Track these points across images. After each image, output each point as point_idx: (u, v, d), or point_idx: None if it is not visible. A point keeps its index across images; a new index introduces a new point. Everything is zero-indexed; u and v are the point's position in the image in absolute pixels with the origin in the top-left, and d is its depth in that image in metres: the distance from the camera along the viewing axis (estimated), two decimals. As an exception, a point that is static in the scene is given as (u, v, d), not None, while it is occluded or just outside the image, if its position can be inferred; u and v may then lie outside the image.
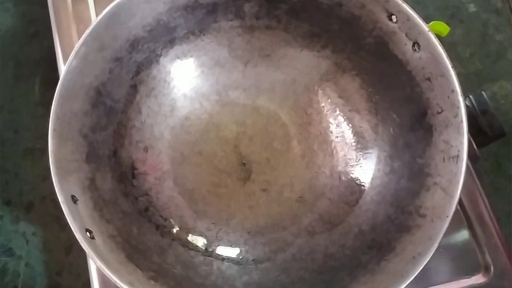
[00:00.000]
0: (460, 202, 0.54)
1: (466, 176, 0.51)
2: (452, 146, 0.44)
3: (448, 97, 0.44)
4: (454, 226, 0.53)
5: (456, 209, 0.42)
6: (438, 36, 0.54)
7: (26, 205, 0.57)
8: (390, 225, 0.47)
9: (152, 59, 0.52)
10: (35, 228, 0.56)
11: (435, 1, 0.67)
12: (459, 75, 0.44)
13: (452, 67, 0.44)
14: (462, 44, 0.66)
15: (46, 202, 0.56)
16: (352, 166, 0.53)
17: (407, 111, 0.49)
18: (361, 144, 0.53)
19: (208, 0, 0.50)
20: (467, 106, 0.44)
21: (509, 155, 0.62)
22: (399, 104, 0.50)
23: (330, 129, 0.54)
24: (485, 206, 0.55)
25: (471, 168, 0.56)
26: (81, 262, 0.53)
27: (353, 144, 0.54)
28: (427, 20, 0.47)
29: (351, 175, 0.53)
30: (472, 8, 0.68)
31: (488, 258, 0.53)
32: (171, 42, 0.53)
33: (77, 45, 0.44)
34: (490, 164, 0.62)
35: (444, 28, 0.63)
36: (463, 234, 0.54)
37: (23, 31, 0.63)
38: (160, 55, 0.53)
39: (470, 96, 0.54)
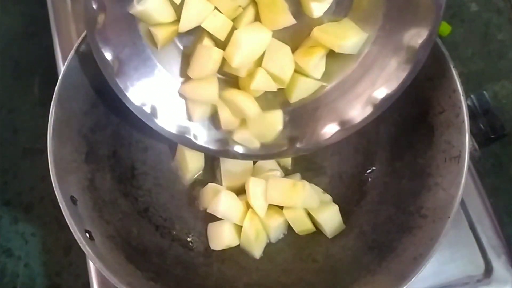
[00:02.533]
0: (461, 202, 0.54)
1: (467, 176, 0.51)
2: (453, 146, 0.44)
3: (449, 97, 0.44)
4: (455, 227, 0.53)
5: (457, 210, 0.42)
6: (440, 36, 0.54)
7: (25, 206, 0.57)
8: (391, 226, 0.47)
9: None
10: (34, 229, 0.56)
11: (436, 1, 0.66)
12: (460, 74, 0.44)
13: (453, 67, 0.44)
14: (463, 44, 0.66)
15: (45, 202, 0.56)
16: (353, 166, 0.53)
17: (409, 111, 0.49)
18: (362, 144, 0.53)
19: None
20: (468, 106, 0.44)
21: (510, 155, 0.62)
22: (401, 104, 0.49)
23: None
24: (486, 206, 0.55)
25: (472, 168, 0.56)
26: (80, 262, 0.53)
27: (354, 144, 0.53)
28: (428, 19, 0.46)
29: (352, 175, 0.53)
30: (473, 7, 0.68)
31: (489, 258, 0.53)
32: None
33: (76, 44, 0.44)
34: (491, 164, 0.62)
35: (445, 28, 0.63)
36: (464, 235, 0.54)
37: (22, 31, 0.63)
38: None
39: (472, 96, 0.54)
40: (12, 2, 0.65)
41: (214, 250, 0.49)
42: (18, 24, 0.64)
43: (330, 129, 0.47)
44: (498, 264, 0.53)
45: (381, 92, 0.44)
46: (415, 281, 0.40)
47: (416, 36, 0.41)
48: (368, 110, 0.45)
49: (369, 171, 0.52)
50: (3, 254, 0.54)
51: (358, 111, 0.46)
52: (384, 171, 0.51)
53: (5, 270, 0.54)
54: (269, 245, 0.49)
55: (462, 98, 0.43)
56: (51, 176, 0.41)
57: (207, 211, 0.48)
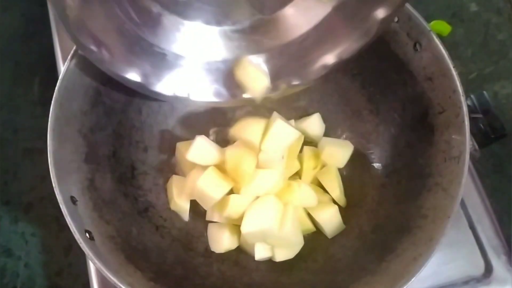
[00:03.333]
0: (461, 202, 0.54)
1: (467, 176, 0.51)
2: (453, 147, 0.44)
3: (449, 97, 0.44)
4: (455, 226, 0.53)
5: (457, 210, 0.42)
6: (439, 36, 0.54)
7: (25, 206, 0.57)
8: (391, 226, 0.47)
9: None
10: (34, 229, 0.55)
11: (437, 1, 0.66)
12: (460, 74, 0.44)
13: (453, 67, 0.44)
14: (463, 44, 0.66)
15: (45, 202, 0.56)
16: (352, 166, 0.53)
17: (409, 111, 0.49)
18: (362, 144, 0.53)
19: None
20: (468, 106, 0.44)
21: (510, 155, 0.62)
22: (401, 104, 0.50)
23: (331, 129, 0.54)
24: (486, 206, 0.55)
25: (472, 168, 0.56)
26: (80, 262, 0.53)
27: (354, 143, 0.53)
28: (428, 19, 0.46)
29: (352, 174, 0.53)
30: (473, 7, 0.68)
31: (489, 258, 0.53)
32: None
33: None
34: (491, 164, 0.62)
35: (445, 28, 0.63)
36: (464, 235, 0.54)
37: (23, 31, 0.63)
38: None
39: (472, 96, 0.54)
40: (12, 2, 0.65)
41: (214, 250, 0.49)
42: (18, 24, 0.64)
43: (280, 84, 0.48)
44: (498, 264, 0.53)
45: (333, 57, 0.46)
46: (415, 281, 0.40)
47: (381, 10, 0.42)
48: (319, 72, 0.47)
49: (368, 171, 0.52)
50: (3, 254, 0.54)
51: (308, 71, 0.47)
52: (384, 171, 0.51)
53: (5, 270, 0.54)
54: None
55: (462, 98, 0.43)
56: (51, 176, 0.41)
57: (206, 219, 0.48)
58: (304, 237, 0.49)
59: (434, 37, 0.44)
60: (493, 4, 0.68)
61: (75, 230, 0.40)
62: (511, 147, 0.61)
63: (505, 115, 0.63)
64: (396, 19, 0.46)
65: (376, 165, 0.52)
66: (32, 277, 0.54)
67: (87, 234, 0.41)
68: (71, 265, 0.54)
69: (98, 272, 0.50)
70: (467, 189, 0.55)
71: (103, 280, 0.48)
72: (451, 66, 0.44)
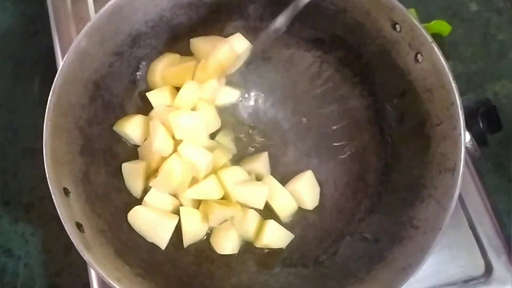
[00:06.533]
0: (461, 202, 0.54)
1: (468, 176, 0.51)
2: (448, 159, 0.43)
3: (447, 109, 0.44)
4: (455, 226, 0.53)
5: (457, 209, 0.42)
6: (440, 36, 0.53)
7: (25, 206, 0.56)
8: (383, 235, 0.47)
9: (153, 55, 0.52)
10: (34, 229, 0.55)
11: (437, 1, 0.66)
12: (460, 74, 0.43)
13: (453, 79, 0.43)
14: (463, 43, 0.65)
15: (45, 202, 0.56)
16: (348, 173, 0.53)
17: (406, 122, 0.49)
18: (359, 153, 0.53)
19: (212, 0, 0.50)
20: (468, 106, 0.44)
21: (510, 155, 0.62)
22: (399, 114, 0.49)
23: (328, 136, 0.54)
24: (486, 206, 0.55)
25: (472, 168, 0.56)
26: (80, 262, 0.53)
27: (351, 151, 0.53)
28: (428, 19, 0.46)
29: (347, 182, 0.52)
30: (473, 7, 0.68)
31: (490, 258, 0.53)
32: (173, 39, 0.52)
33: (78, 36, 0.44)
34: (491, 164, 0.61)
35: (445, 27, 0.63)
36: (465, 234, 0.54)
37: (22, 31, 0.63)
38: (162, 52, 0.52)
39: (472, 95, 0.54)
40: (12, 2, 0.65)
41: (204, 250, 0.49)
42: (18, 23, 0.64)
43: None
44: (498, 264, 0.53)
45: None
46: (415, 281, 0.41)
47: None
48: None
49: (363, 179, 0.52)
50: (3, 254, 0.54)
51: None
52: (378, 180, 0.51)
53: (5, 270, 0.54)
54: (259, 248, 0.49)
55: (460, 111, 0.43)
56: (45, 166, 0.41)
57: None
58: (295, 241, 0.49)
59: (436, 48, 0.44)
60: (493, 4, 0.68)
61: (65, 221, 0.40)
62: (511, 147, 0.61)
63: (505, 115, 0.63)
64: (398, 29, 0.46)
65: (371, 174, 0.52)
66: (32, 277, 0.54)
67: (78, 227, 0.41)
68: (71, 265, 0.54)
69: (98, 271, 0.50)
70: (467, 189, 0.55)
71: (103, 280, 0.47)
72: (451, 78, 0.43)
